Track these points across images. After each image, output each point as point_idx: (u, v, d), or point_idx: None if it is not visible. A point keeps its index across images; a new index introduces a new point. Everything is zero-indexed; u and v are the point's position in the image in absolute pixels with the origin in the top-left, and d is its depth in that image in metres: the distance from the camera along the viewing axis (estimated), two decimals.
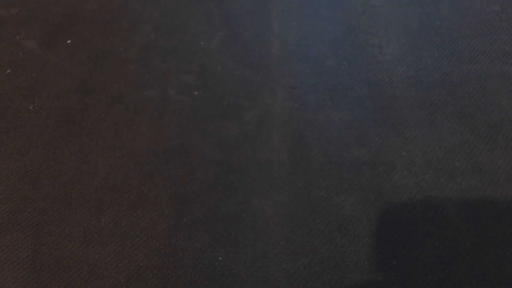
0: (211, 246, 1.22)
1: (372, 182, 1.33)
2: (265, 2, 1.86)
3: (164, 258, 1.20)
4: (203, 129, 1.46)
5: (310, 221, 1.26)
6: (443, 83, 1.56)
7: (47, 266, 1.19)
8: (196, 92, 1.56)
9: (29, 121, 1.49)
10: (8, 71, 1.64)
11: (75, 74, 1.62)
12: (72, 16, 1.81)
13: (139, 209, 1.29)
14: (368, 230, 1.24)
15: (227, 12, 1.82)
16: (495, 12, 1.78)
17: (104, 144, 1.43)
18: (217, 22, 1.79)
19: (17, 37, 1.75)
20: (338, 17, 1.79)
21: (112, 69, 1.63)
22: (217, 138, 1.44)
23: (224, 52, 1.68)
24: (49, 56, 1.68)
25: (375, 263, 1.18)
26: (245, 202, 1.30)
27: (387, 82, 1.57)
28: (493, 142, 1.40)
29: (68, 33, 1.75)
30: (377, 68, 1.61)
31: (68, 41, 1.73)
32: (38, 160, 1.39)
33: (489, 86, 1.54)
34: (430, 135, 1.43)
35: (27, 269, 1.19)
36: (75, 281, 1.17)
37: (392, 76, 1.59)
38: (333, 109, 1.50)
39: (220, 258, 1.20)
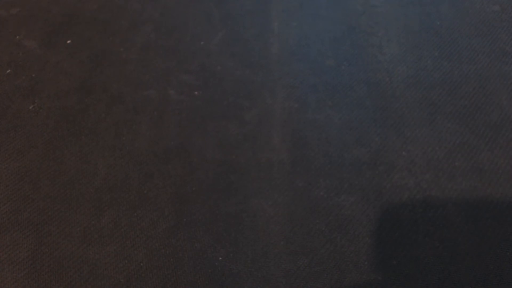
0: (211, 246, 1.22)
1: (372, 182, 1.33)
2: (265, 2, 1.86)
3: (164, 258, 1.20)
4: (203, 129, 1.46)
5: (310, 221, 1.26)
6: (443, 83, 1.56)
7: (47, 266, 1.19)
8: (196, 92, 1.56)
9: (29, 121, 1.49)
10: (8, 71, 1.64)
11: (75, 74, 1.62)
12: (72, 16, 1.81)
13: (139, 209, 1.29)
14: (368, 230, 1.24)
15: (227, 12, 1.82)
16: (495, 12, 1.78)
17: (104, 144, 1.43)
18: (217, 22, 1.79)
19: (17, 37, 1.75)
20: (338, 17, 1.79)
21: (112, 69, 1.63)
22: (217, 138, 1.44)
23: (224, 52, 1.68)
24: (49, 56, 1.68)
25: (375, 263, 1.18)
26: (245, 202, 1.30)
27: (387, 82, 1.57)
28: (493, 142, 1.40)
29: (68, 33, 1.75)
30: (377, 68, 1.61)
31: (68, 41, 1.73)
32: (38, 160, 1.39)
33: (489, 86, 1.54)
34: (430, 135, 1.43)
35: (27, 269, 1.19)
36: (75, 281, 1.17)
37: (392, 76, 1.59)
38: (333, 109, 1.50)
39: (220, 258, 1.20)
